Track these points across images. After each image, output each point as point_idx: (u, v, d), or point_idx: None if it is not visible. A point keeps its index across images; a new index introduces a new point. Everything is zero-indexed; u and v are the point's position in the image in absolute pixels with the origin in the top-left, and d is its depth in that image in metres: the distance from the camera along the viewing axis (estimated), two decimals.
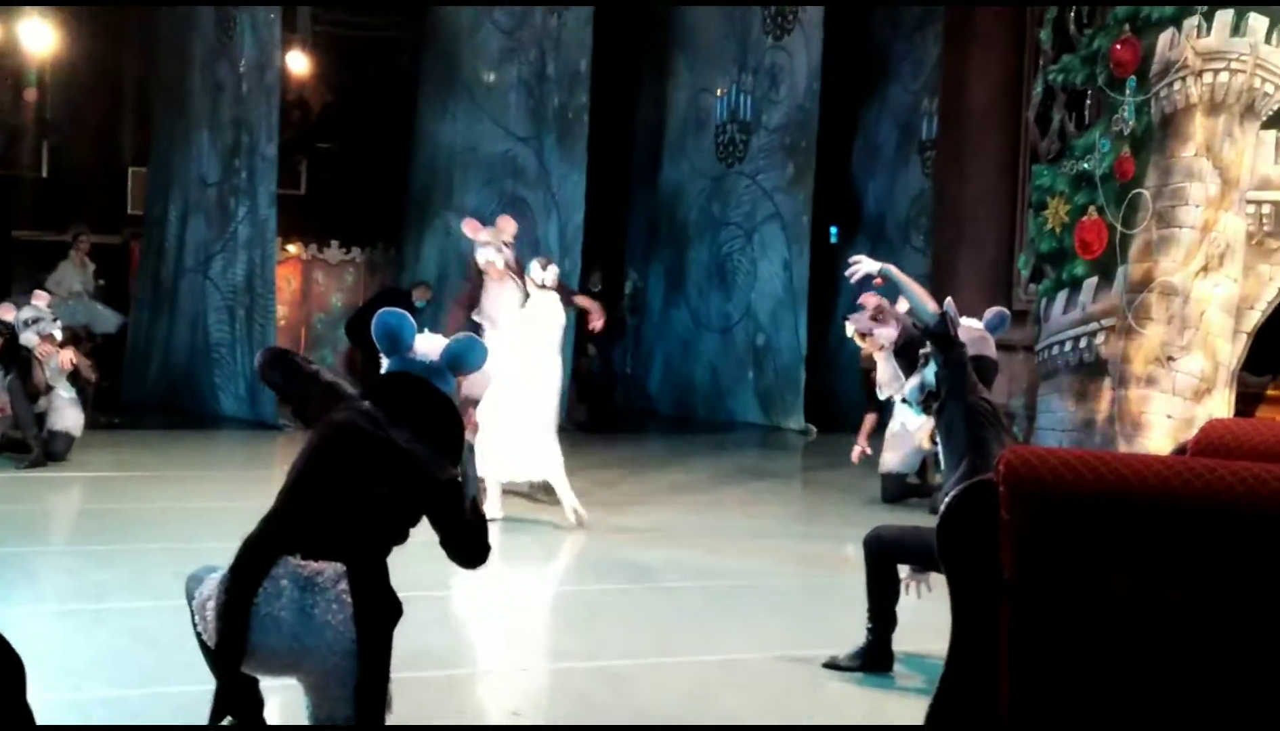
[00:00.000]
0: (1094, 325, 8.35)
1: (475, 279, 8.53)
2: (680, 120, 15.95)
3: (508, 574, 6.71)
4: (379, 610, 3.38)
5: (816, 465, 11.88)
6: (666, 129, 16.08)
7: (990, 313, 5.25)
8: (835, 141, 15.73)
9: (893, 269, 5.01)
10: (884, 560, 5.05)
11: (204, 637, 3.50)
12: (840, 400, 14.40)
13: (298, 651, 3.33)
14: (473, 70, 14.18)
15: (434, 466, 3.50)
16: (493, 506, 7.71)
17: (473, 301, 8.50)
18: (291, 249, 15.44)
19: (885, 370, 8.00)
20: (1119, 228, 8.16)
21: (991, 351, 5.03)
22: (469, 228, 8.72)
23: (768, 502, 9.56)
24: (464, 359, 3.66)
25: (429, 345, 3.68)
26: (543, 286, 8.26)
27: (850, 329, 8.16)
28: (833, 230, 16.77)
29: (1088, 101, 10.03)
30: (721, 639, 5.54)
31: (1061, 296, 8.69)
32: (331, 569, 3.38)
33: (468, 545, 3.59)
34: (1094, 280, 8.39)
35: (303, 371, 3.74)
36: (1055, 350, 8.63)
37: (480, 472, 7.48)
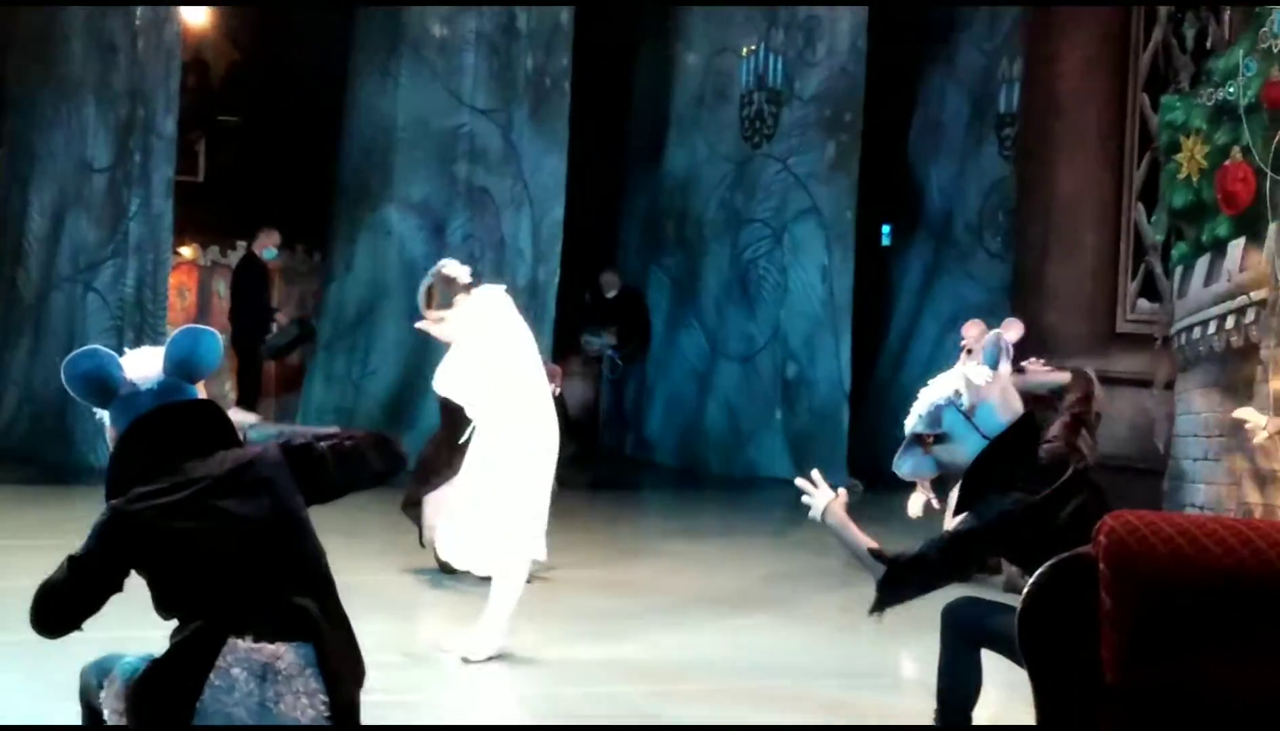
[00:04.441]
0: (1243, 299, 8.28)
1: None
2: (693, 88, 16.04)
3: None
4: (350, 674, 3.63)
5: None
6: (674, 99, 16.18)
7: (989, 338, 5.38)
8: (888, 115, 15.85)
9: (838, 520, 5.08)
10: (964, 641, 5.17)
11: None
12: (894, 447, 14.46)
13: None
14: (420, 22, 14.30)
15: (263, 454, 3.75)
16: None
17: None
18: (186, 252, 15.53)
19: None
20: (1270, 172, 8.11)
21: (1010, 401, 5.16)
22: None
23: (793, 583, 9.61)
24: (194, 357, 3.83)
25: (143, 365, 3.83)
26: None
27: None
28: (885, 229, 16.87)
29: (1227, 15, 10.08)
30: None
31: (1202, 264, 8.61)
32: (292, 653, 3.50)
33: (368, 453, 3.94)
34: (1241, 242, 8.34)
35: None
36: (1196, 333, 8.57)
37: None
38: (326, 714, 3.58)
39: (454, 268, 7.34)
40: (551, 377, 9.01)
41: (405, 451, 4.06)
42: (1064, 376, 5.68)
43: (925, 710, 5.32)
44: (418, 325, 7.47)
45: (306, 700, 3.56)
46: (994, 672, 5.24)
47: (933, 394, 5.23)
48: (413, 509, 8.99)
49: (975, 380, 5.15)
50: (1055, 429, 5.20)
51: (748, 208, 15.50)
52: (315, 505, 3.83)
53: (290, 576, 3.65)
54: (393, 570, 9.09)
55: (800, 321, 15.10)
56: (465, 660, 7.02)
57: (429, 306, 7.30)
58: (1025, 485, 4.95)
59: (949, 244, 15.87)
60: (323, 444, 3.86)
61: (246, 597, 3.60)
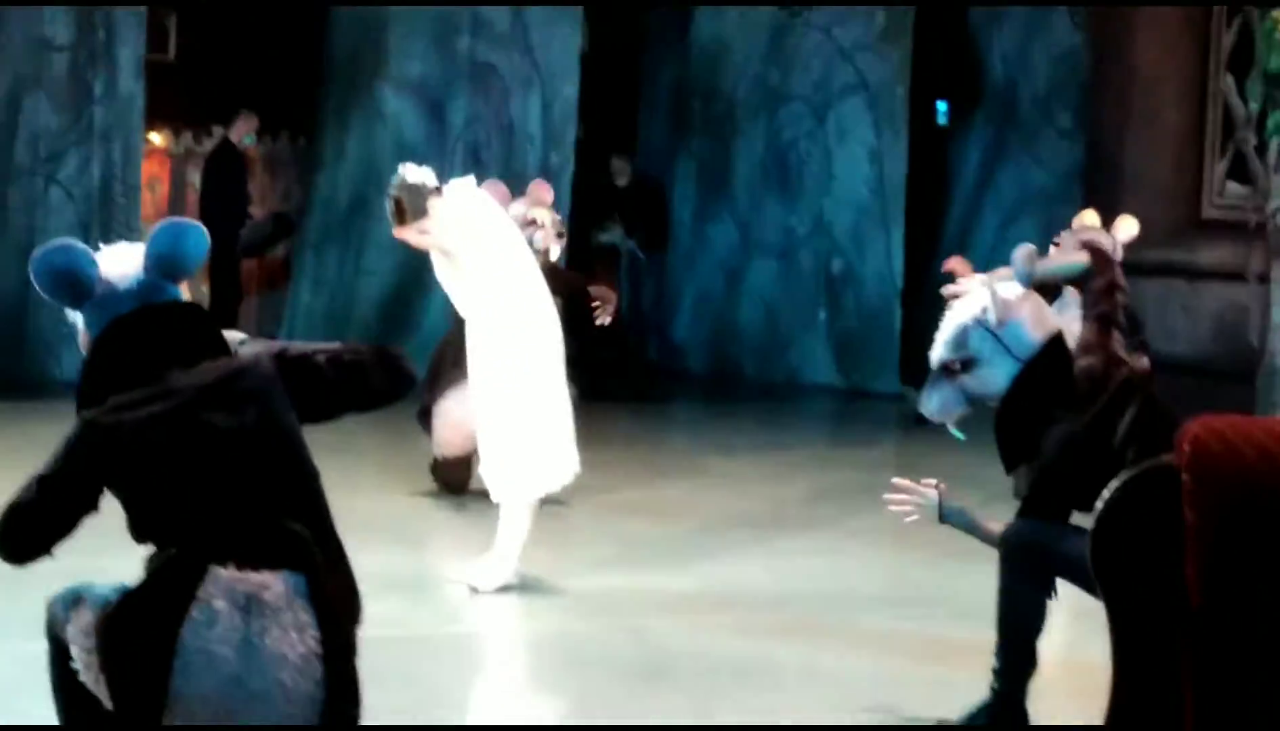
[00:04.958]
0: None
1: None
2: None
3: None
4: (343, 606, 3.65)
5: (920, 449, 11.93)
6: None
7: (1019, 254, 5.40)
8: None
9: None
10: (1027, 567, 5.14)
11: (85, 683, 3.63)
12: None
13: (239, 698, 3.50)
14: None
15: (254, 365, 3.79)
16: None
17: None
18: (156, 139, 15.49)
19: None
20: None
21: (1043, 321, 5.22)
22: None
23: (838, 503, 9.63)
24: (178, 253, 3.84)
25: (121, 262, 3.85)
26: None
27: None
28: (941, 106, 16.75)
29: None
30: None
31: None
32: (281, 583, 3.52)
33: (371, 370, 3.95)
34: None
35: None
36: None
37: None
38: (319, 650, 3.58)
39: (416, 173, 7.32)
40: (605, 301, 8.95)
41: (414, 370, 4.05)
42: (1081, 257, 5.62)
43: (984, 643, 5.33)
44: (396, 235, 7.44)
45: (296, 634, 3.56)
46: (1061, 599, 5.25)
47: (958, 315, 5.25)
48: (425, 418, 9.04)
49: (1004, 294, 5.17)
50: (1084, 336, 5.21)
51: (785, 83, 15.41)
52: (310, 424, 3.83)
53: (280, 498, 3.66)
54: (393, 492, 9.14)
55: (846, 211, 15.05)
56: (474, 590, 7.07)
57: (403, 223, 7.28)
58: (1066, 415, 4.98)
59: (1013, 122, 15.74)
60: (321, 356, 3.86)
61: (231, 521, 3.60)
